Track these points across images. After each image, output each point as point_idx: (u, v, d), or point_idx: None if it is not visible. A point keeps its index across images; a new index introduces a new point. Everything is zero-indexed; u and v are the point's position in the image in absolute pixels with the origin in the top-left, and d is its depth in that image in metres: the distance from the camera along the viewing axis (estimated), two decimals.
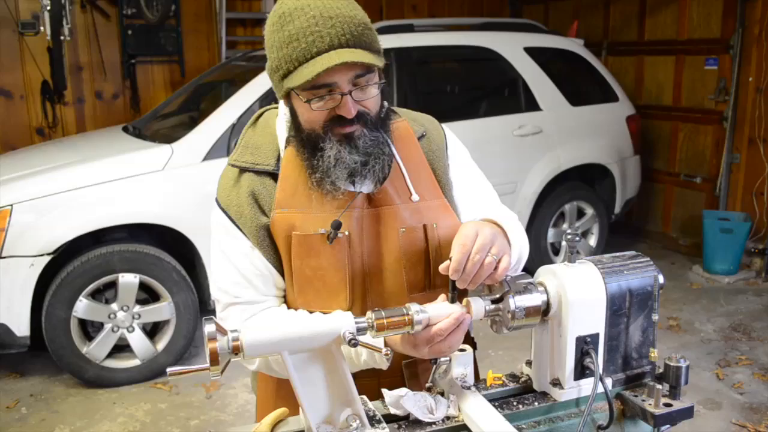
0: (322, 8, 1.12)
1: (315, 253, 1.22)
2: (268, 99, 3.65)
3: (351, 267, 1.23)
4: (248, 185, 1.27)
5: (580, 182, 4.73)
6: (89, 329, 3.36)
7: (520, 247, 1.26)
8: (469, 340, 1.40)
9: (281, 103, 1.29)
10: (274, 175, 1.27)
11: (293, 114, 1.24)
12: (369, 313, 1.02)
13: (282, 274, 1.29)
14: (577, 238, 1.15)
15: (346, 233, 1.22)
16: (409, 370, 1.30)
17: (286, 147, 1.28)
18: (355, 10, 1.16)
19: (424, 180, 1.31)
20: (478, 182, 1.42)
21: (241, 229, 1.27)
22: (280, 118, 1.31)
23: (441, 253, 1.26)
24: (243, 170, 1.29)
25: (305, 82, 1.11)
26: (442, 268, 1.09)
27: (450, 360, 1.11)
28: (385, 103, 1.28)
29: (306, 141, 1.21)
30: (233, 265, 1.28)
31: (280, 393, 1.33)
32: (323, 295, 1.23)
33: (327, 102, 1.16)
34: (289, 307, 1.29)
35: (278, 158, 1.28)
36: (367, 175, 1.21)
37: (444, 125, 1.43)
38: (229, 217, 1.28)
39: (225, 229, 1.29)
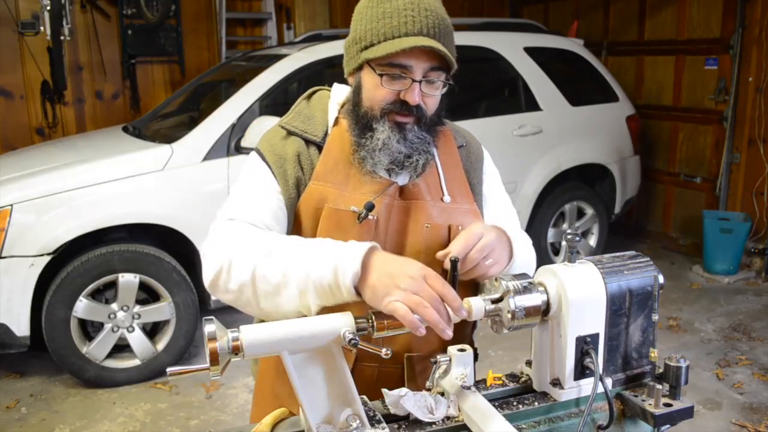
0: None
1: (342, 229, 1.24)
2: (268, 99, 3.65)
3: None
4: (296, 146, 1.30)
5: (580, 182, 4.74)
6: (89, 329, 3.36)
7: (523, 262, 1.29)
8: (470, 343, 1.41)
9: (334, 86, 1.36)
10: (318, 147, 1.31)
11: (357, 90, 1.28)
12: (369, 312, 1.02)
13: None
14: (577, 238, 1.15)
15: (375, 217, 1.25)
16: (409, 365, 1.31)
17: (333, 125, 1.32)
18: (446, 14, 1.24)
19: (458, 185, 1.36)
20: (504, 206, 1.46)
21: (274, 174, 1.28)
22: (332, 99, 1.37)
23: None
24: (291, 133, 1.32)
25: (388, 54, 1.17)
26: (439, 255, 1.18)
27: (450, 360, 1.11)
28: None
29: (361, 118, 1.26)
30: (250, 194, 1.26)
31: (278, 386, 1.34)
32: None
33: (397, 83, 1.21)
34: None
35: (325, 134, 1.32)
36: (408, 168, 1.26)
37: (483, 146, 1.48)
38: (266, 161, 1.29)
39: (256, 169, 1.30)
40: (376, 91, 1.23)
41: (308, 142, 1.31)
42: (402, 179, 1.30)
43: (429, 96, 1.24)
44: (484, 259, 1.16)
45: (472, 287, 1.31)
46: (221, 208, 1.27)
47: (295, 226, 1.29)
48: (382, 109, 1.23)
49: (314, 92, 1.42)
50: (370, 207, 1.22)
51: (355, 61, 1.26)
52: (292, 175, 1.27)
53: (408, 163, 1.25)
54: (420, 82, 1.21)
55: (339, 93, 1.38)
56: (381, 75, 1.21)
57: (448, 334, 1.00)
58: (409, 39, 1.17)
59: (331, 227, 1.25)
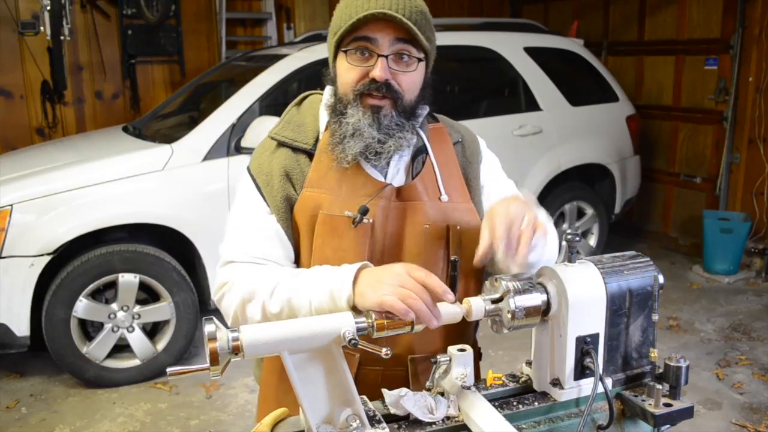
0: None
1: (338, 235, 1.24)
2: (268, 99, 3.65)
3: (370, 254, 1.25)
4: (282, 162, 1.30)
5: (580, 182, 4.73)
6: (89, 329, 3.36)
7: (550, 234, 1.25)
8: (473, 343, 1.41)
9: (327, 89, 1.34)
10: (309, 155, 1.30)
11: (334, 82, 1.28)
12: (369, 312, 1.02)
13: (294, 248, 1.30)
14: (577, 238, 1.15)
15: (370, 221, 1.24)
16: (413, 367, 1.31)
17: (325, 130, 1.31)
18: (422, 1, 1.23)
19: (455, 183, 1.34)
20: (509, 189, 1.44)
21: (263, 196, 1.29)
22: (323, 102, 1.35)
23: (460, 254, 1.27)
24: (281, 144, 1.32)
25: (349, 26, 1.17)
26: (478, 257, 1.10)
27: (450, 360, 1.11)
28: (425, 108, 1.31)
29: (337, 104, 1.26)
30: (244, 226, 1.30)
31: (281, 393, 1.33)
32: None
33: (364, 60, 1.21)
34: None
35: (317, 140, 1.31)
36: (382, 153, 1.23)
37: (481, 138, 1.46)
38: (255, 183, 1.31)
39: (248, 193, 1.32)
40: (347, 74, 1.23)
41: (299, 150, 1.30)
42: (398, 180, 1.30)
43: (400, 73, 1.22)
44: (523, 223, 1.10)
45: (475, 285, 1.30)
46: (222, 241, 1.31)
47: (293, 235, 1.29)
48: (354, 91, 1.22)
49: (305, 97, 1.41)
50: (364, 211, 1.21)
51: (331, 52, 1.27)
52: (281, 193, 1.27)
53: (382, 149, 1.23)
54: (387, 57, 1.19)
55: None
56: (346, 51, 1.21)
57: (434, 324, 1.04)
58: (369, 10, 1.17)
59: (326, 233, 1.24)
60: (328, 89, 1.34)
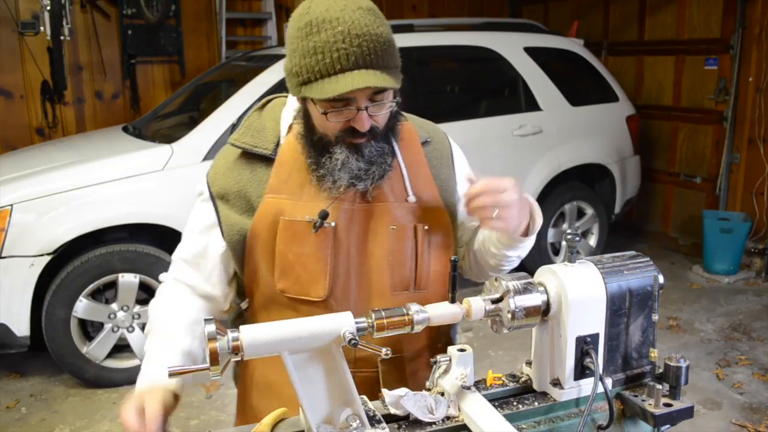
0: (350, 24, 1.11)
1: (299, 240, 1.24)
2: None
3: (334, 258, 1.25)
4: (241, 169, 1.30)
5: (580, 182, 4.74)
6: (89, 329, 3.36)
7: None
8: (449, 341, 1.40)
9: (290, 96, 1.32)
10: (268, 161, 1.29)
11: (306, 116, 1.25)
12: (369, 312, 1.02)
13: (234, 272, 1.33)
14: (577, 238, 1.15)
15: (333, 224, 1.24)
16: (393, 367, 1.30)
17: (287, 134, 1.30)
18: (381, 26, 1.16)
19: (423, 182, 1.32)
20: None
21: (216, 209, 1.30)
22: (287, 107, 1.34)
23: (430, 254, 1.28)
24: (242, 153, 1.32)
25: (326, 98, 1.13)
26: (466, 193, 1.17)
27: (450, 360, 1.11)
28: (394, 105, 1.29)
29: (316, 143, 1.24)
30: (189, 237, 1.34)
31: (260, 391, 1.35)
32: (303, 281, 1.25)
33: (343, 114, 1.17)
34: (268, 292, 1.30)
35: (277, 144, 1.30)
36: (367, 179, 1.24)
37: (449, 137, 1.44)
38: (211, 195, 1.32)
39: (200, 202, 1.34)
40: (325, 123, 1.20)
41: (257, 157, 1.29)
42: (362, 184, 1.28)
43: (378, 115, 1.21)
44: (492, 205, 1.13)
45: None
46: (176, 251, 1.37)
47: (251, 242, 1.28)
48: (336, 136, 1.21)
49: (269, 101, 1.39)
50: (324, 215, 1.21)
51: (295, 92, 1.21)
52: (236, 205, 1.28)
53: (367, 175, 1.23)
54: (366, 108, 1.17)
55: (296, 100, 1.33)
56: (325, 113, 1.17)
57: None
58: (345, 77, 1.11)
59: (288, 239, 1.24)
60: (293, 102, 1.32)
